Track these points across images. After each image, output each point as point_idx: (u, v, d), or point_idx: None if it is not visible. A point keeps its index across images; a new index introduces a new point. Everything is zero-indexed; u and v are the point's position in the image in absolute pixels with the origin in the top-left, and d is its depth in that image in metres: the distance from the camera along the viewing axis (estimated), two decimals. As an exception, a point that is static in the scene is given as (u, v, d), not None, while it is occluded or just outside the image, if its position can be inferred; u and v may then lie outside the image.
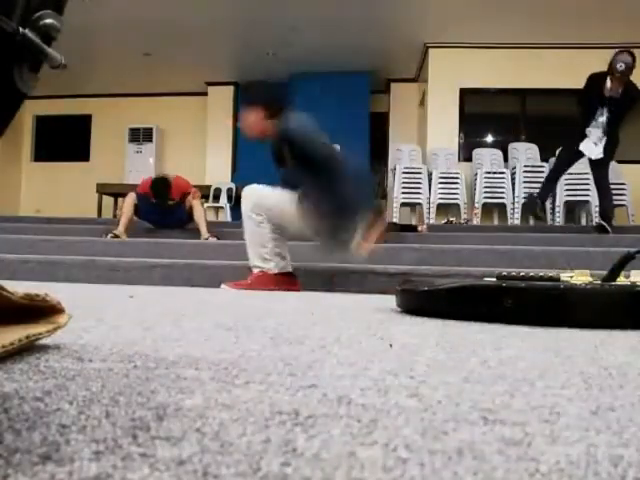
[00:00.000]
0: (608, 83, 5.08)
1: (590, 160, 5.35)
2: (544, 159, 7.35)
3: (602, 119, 5.16)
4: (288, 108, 2.99)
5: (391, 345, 1.03)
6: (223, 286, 2.95)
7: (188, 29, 7.79)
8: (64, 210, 8.59)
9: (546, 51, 7.63)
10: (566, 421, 0.54)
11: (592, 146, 5.19)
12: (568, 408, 0.59)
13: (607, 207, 5.37)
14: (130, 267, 3.30)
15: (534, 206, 5.40)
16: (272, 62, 8.92)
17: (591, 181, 6.96)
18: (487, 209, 7.46)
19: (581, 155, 5.30)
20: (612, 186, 7.15)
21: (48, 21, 0.49)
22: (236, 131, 10.27)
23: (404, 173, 7.53)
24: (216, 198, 9.04)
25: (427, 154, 8.09)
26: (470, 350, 0.99)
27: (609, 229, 5.08)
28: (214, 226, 5.47)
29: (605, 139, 5.18)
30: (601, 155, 5.21)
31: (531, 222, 7.06)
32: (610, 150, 5.23)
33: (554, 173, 5.62)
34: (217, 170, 9.95)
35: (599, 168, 5.35)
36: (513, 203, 7.20)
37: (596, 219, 5.66)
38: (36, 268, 3.34)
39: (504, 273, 1.73)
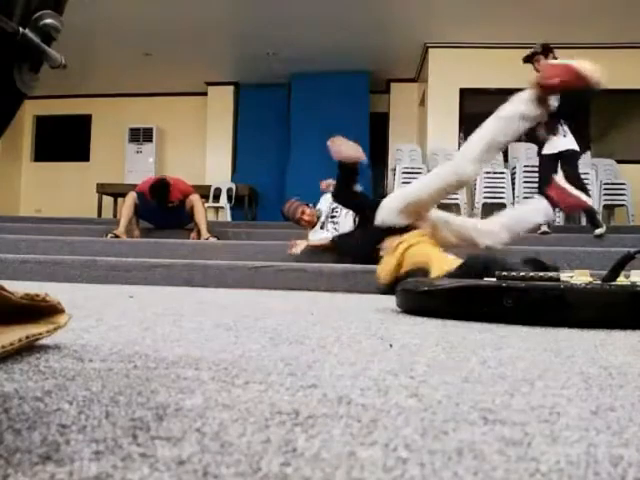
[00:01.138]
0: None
1: (560, 156, 5.05)
2: (544, 159, 7.36)
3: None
4: None
5: (391, 345, 1.03)
6: None
7: (188, 29, 7.78)
8: (64, 210, 8.59)
9: (546, 51, 7.64)
10: (566, 421, 0.54)
11: (560, 140, 4.98)
12: (568, 408, 0.59)
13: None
14: (130, 267, 3.30)
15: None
16: (272, 62, 8.91)
17: (590, 181, 6.97)
18: (487, 209, 7.46)
19: (557, 156, 5.03)
20: (612, 186, 7.19)
21: (48, 21, 0.49)
22: (236, 131, 10.29)
23: (404, 173, 7.53)
24: (216, 198, 9.03)
25: (427, 154, 8.09)
26: (470, 350, 1.00)
27: (603, 230, 4.88)
28: (214, 226, 5.47)
29: (568, 131, 4.99)
30: (571, 147, 4.99)
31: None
32: (579, 141, 5.02)
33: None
34: (217, 170, 9.94)
35: (568, 161, 5.02)
36: (513, 203, 7.20)
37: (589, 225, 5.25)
38: (36, 268, 3.34)
39: (504, 273, 1.73)
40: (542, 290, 1.47)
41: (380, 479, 0.38)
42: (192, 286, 3.11)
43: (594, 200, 7.01)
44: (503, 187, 7.29)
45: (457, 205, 7.44)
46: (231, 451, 0.43)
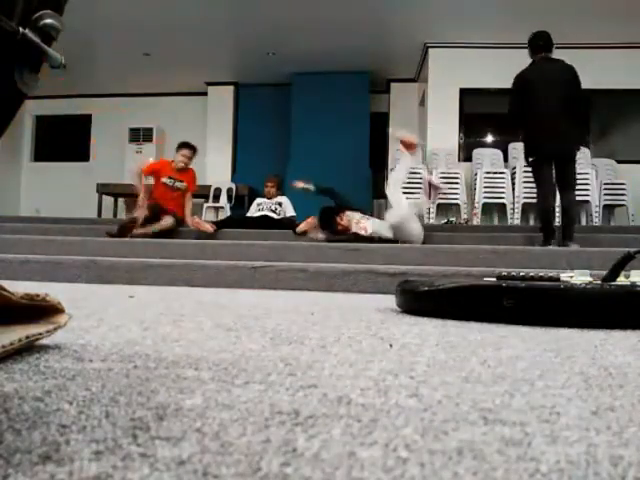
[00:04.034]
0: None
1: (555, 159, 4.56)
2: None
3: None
4: None
5: (391, 345, 1.03)
6: None
7: (188, 29, 7.78)
8: (64, 210, 8.58)
9: (546, 51, 7.64)
10: (566, 421, 0.54)
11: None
12: (568, 408, 0.59)
13: (573, 220, 4.65)
14: (130, 267, 3.30)
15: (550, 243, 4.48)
16: (272, 62, 8.91)
17: (590, 180, 6.97)
18: (487, 209, 7.46)
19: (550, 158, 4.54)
20: (612, 186, 7.19)
21: (48, 21, 0.49)
22: (236, 131, 10.30)
23: (404, 173, 7.52)
24: (216, 198, 9.03)
25: (427, 154, 8.09)
26: (470, 350, 1.00)
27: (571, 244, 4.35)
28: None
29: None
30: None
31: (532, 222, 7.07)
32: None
33: (550, 198, 4.56)
34: (217, 170, 9.94)
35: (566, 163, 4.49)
36: (513, 203, 7.20)
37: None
38: (36, 268, 3.34)
39: (504, 273, 1.73)
40: (542, 290, 1.47)
41: (380, 479, 0.38)
42: (192, 286, 3.11)
43: (594, 200, 7.03)
44: (503, 187, 7.29)
45: (457, 205, 7.44)
46: (231, 451, 0.43)
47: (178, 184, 5.54)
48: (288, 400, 0.59)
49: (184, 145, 5.69)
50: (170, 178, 5.53)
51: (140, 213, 5.22)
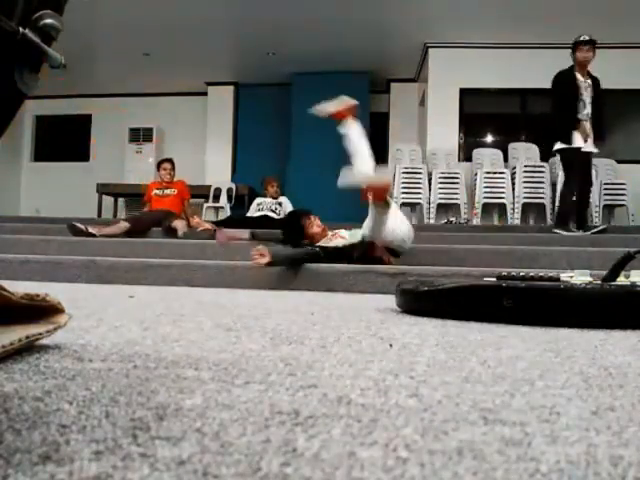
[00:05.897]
0: (578, 76, 5.20)
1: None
2: (544, 159, 7.34)
3: (586, 111, 5.15)
4: None
5: (391, 345, 1.03)
6: None
7: (188, 29, 7.78)
8: (64, 210, 8.58)
9: (546, 51, 7.62)
10: (566, 421, 0.54)
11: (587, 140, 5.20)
12: (568, 408, 0.59)
13: (584, 210, 5.36)
14: (130, 267, 3.30)
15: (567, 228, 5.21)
16: (272, 62, 8.91)
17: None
18: (487, 209, 7.46)
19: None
20: (612, 186, 7.21)
21: (48, 21, 0.49)
22: (236, 131, 10.30)
23: (404, 173, 7.53)
24: (216, 198, 9.03)
25: (427, 154, 8.09)
26: (470, 350, 1.00)
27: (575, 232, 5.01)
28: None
29: (592, 131, 5.19)
30: (595, 149, 5.22)
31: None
32: (599, 143, 5.25)
33: (573, 184, 5.31)
34: (217, 170, 9.94)
35: (589, 163, 5.30)
36: (513, 203, 7.20)
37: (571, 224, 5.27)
38: (36, 268, 3.34)
39: (504, 273, 1.73)
40: (542, 290, 1.47)
41: (380, 479, 0.38)
42: (192, 286, 3.11)
43: (594, 200, 7.03)
44: (503, 187, 7.29)
45: (457, 205, 7.44)
46: (231, 451, 0.43)
47: (167, 191, 5.95)
48: (288, 400, 0.59)
49: (162, 161, 6.16)
50: (158, 189, 5.96)
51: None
